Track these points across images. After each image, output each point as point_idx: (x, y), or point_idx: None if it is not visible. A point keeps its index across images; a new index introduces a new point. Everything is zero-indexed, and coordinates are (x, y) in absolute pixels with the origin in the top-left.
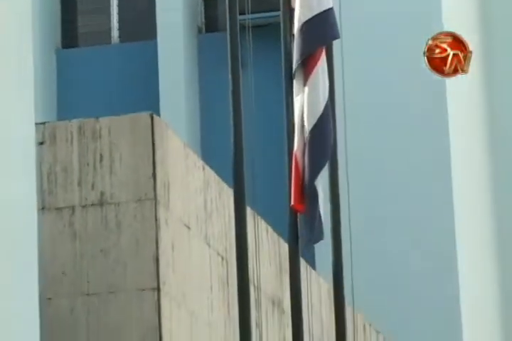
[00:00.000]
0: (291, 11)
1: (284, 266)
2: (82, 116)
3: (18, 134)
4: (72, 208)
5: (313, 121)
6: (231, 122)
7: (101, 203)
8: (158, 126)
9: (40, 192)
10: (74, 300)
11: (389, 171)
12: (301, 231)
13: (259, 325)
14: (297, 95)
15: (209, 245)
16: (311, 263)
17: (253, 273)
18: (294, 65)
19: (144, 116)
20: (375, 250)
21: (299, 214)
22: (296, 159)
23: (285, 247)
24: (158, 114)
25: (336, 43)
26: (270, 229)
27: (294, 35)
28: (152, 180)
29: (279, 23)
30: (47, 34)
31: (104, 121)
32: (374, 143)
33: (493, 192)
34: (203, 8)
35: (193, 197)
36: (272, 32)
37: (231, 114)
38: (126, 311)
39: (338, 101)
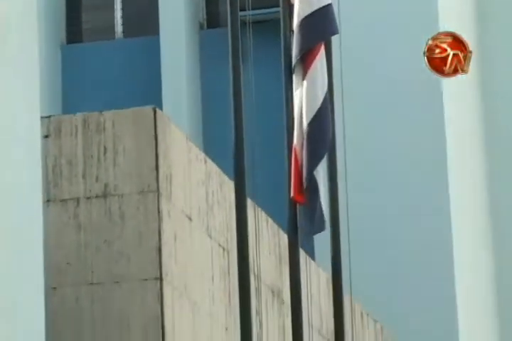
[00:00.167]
0: (291, 6)
1: (284, 256)
2: (87, 109)
3: (23, 128)
4: (77, 200)
5: (312, 114)
6: (232, 116)
7: (105, 195)
8: (160, 120)
9: (46, 184)
10: (78, 289)
11: (387, 162)
12: (301, 222)
13: (259, 314)
14: (296, 89)
15: (210, 236)
16: (311, 253)
17: (253, 264)
18: (294, 60)
19: (147, 109)
20: (373, 241)
21: (298, 205)
22: (295, 152)
23: (285, 238)
24: (161, 108)
25: (334, 38)
26: (270, 221)
27: (293, 30)
28: (155, 173)
29: (279, 19)
30: (52, 30)
31: (108, 115)
32: (372, 135)
33: (489, 190)
34: (204, 4)
35: (195, 189)
36: (272, 28)
37: (232, 108)
38: (130, 300)
39: (336, 95)
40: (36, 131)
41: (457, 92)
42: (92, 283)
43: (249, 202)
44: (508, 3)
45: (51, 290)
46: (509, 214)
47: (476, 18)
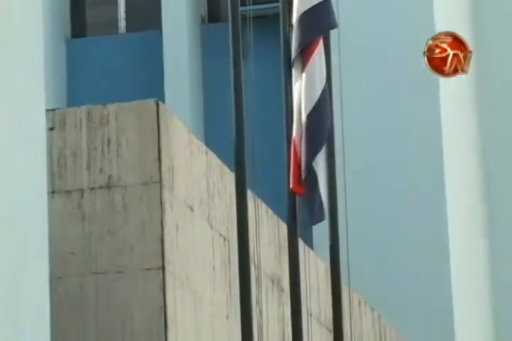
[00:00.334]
0: (291, 2)
1: (283, 246)
2: (91, 102)
3: (29, 120)
4: (81, 191)
5: (310, 106)
6: (233, 109)
7: (108, 186)
8: (163, 113)
9: (51, 175)
10: (83, 278)
11: (385, 154)
12: (300, 212)
13: (259, 303)
14: (295, 83)
15: (211, 226)
16: (309, 243)
17: (254, 253)
18: (293, 54)
19: (150, 103)
20: (370, 231)
21: (298, 196)
22: (294, 144)
23: (284, 228)
24: (163, 101)
25: (333, 32)
26: (270, 211)
27: (292, 25)
28: (157, 164)
29: (279, 14)
30: (57, 24)
31: (112, 108)
32: (370, 127)
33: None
34: None
35: (197, 180)
36: (272, 22)
37: (233, 101)
38: (133, 289)
39: (334, 88)
40: (41, 123)
41: (454, 85)
42: (96, 273)
43: (249, 193)
44: (503, 2)
45: (56, 280)
46: (504, 200)
47: (472, 17)
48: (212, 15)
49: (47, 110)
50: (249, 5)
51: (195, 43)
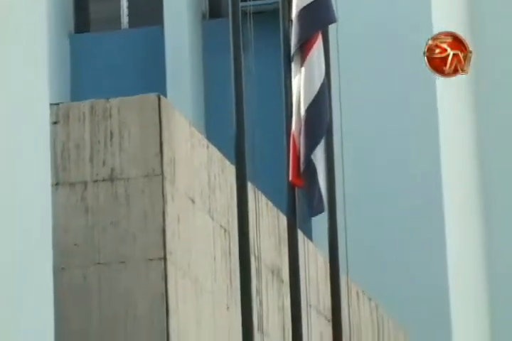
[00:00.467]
0: None
1: (283, 237)
2: (94, 97)
3: (33, 114)
4: (85, 183)
5: (309, 100)
6: (233, 103)
7: (111, 178)
8: (164, 107)
9: (54, 168)
10: (86, 269)
11: (383, 146)
12: (300, 204)
13: (259, 293)
14: (295, 76)
15: (212, 218)
16: (308, 235)
17: (254, 245)
18: (293, 49)
19: (152, 97)
20: (368, 223)
21: (297, 188)
22: (293, 137)
23: (284, 220)
24: (165, 95)
25: (331, 27)
26: (270, 203)
27: (292, 20)
28: (159, 157)
29: (279, 10)
30: (60, 20)
31: (115, 102)
32: (368, 119)
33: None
34: None
35: (198, 173)
36: (272, 18)
37: (233, 95)
38: (135, 279)
39: (334, 83)
40: (45, 117)
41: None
42: (99, 263)
43: (249, 186)
44: (499, 3)
45: (60, 270)
46: (499, 190)
47: (470, 18)
48: (213, 11)
49: (51, 104)
50: (250, 1)
51: (196, 38)
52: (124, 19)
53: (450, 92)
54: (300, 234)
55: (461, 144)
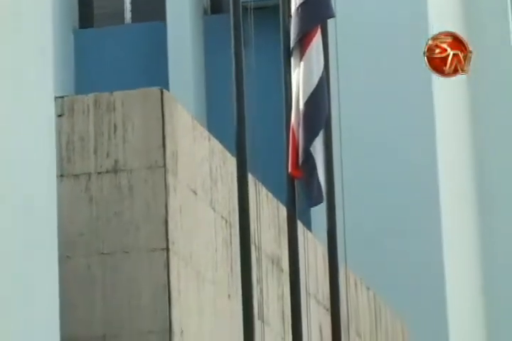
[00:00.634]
0: None
1: (283, 228)
2: (98, 90)
3: (39, 107)
4: (89, 175)
5: (308, 94)
6: (234, 96)
7: (115, 170)
8: (167, 100)
9: (59, 160)
10: (90, 258)
11: (380, 138)
12: (299, 196)
13: (259, 282)
14: (294, 70)
15: (214, 209)
16: (308, 225)
17: (254, 235)
18: (292, 43)
19: (155, 90)
20: (366, 213)
21: (296, 180)
22: (293, 130)
23: (284, 211)
24: (168, 89)
25: (330, 21)
26: (270, 195)
27: (291, 15)
28: (162, 149)
29: (279, 5)
30: (65, 15)
31: (118, 95)
32: (366, 111)
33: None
34: None
35: (200, 165)
36: (272, 13)
37: (234, 89)
38: (138, 269)
39: (332, 76)
40: (50, 110)
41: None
42: (103, 253)
43: (250, 178)
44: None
45: (65, 260)
46: (496, 175)
47: (466, 15)
48: (215, 6)
49: (56, 97)
50: None
51: (197, 34)
52: (127, 14)
53: (447, 84)
54: (299, 225)
55: (457, 131)
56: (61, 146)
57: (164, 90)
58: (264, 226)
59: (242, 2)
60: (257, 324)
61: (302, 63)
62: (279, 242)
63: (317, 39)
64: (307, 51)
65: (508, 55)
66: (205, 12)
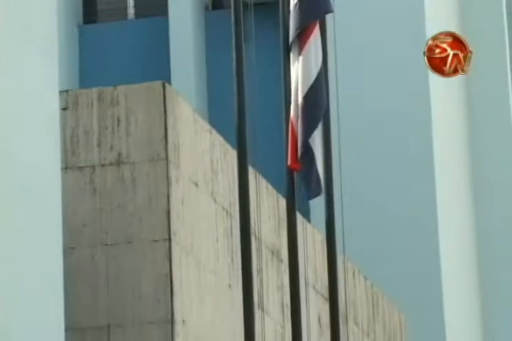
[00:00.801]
0: None
1: (282, 219)
2: (102, 84)
3: (44, 101)
4: (93, 167)
5: (307, 87)
6: (235, 90)
7: (118, 163)
8: (169, 94)
9: (64, 152)
10: (94, 249)
11: (378, 130)
12: (298, 187)
13: (259, 272)
14: (293, 64)
15: (215, 200)
16: (306, 216)
17: (254, 226)
18: (291, 38)
19: (157, 84)
20: (364, 204)
21: (295, 172)
22: (292, 123)
23: (283, 202)
24: (170, 83)
25: (329, 16)
26: (270, 187)
27: (290, 11)
28: (164, 142)
29: (279, 1)
30: (70, 11)
31: (121, 89)
32: (364, 104)
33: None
34: None
35: (201, 157)
36: (272, 9)
37: (235, 83)
38: (141, 259)
39: (331, 70)
40: (55, 104)
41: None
42: (106, 244)
43: (250, 170)
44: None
45: (69, 250)
46: (489, 167)
47: (461, 16)
48: (216, 2)
49: (60, 91)
50: None
51: (199, 29)
52: (131, 10)
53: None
54: (299, 216)
55: (453, 121)
56: (65, 139)
57: (166, 84)
58: (264, 217)
59: None
60: (257, 313)
61: (301, 58)
62: (279, 233)
63: (315, 34)
64: (306, 46)
65: (502, 54)
66: (206, 8)
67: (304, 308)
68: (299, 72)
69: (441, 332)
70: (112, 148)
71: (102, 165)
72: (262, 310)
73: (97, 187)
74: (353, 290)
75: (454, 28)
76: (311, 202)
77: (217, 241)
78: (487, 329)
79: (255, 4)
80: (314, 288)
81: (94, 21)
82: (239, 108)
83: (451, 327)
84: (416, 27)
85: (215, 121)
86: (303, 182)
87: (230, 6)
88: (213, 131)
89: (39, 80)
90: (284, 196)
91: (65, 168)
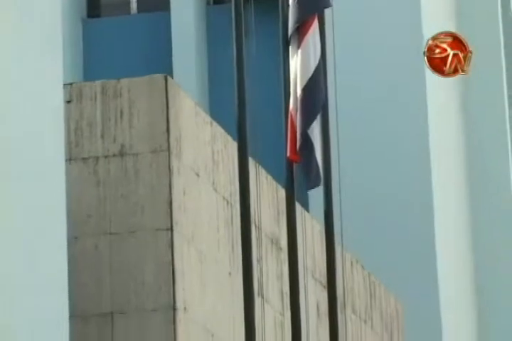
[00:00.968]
0: None
1: (282, 209)
2: (105, 77)
3: (48, 94)
4: (96, 158)
5: (305, 80)
6: (235, 83)
7: (121, 154)
8: (171, 87)
9: (68, 144)
10: (98, 238)
11: (375, 120)
12: (298, 178)
13: (259, 261)
14: (292, 57)
15: (216, 190)
16: (305, 206)
17: (254, 215)
18: (290, 32)
19: (159, 77)
20: (362, 195)
21: (294, 163)
22: (291, 116)
23: (282, 192)
24: (172, 76)
25: (327, 10)
26: (269, 177)
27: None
28: (166, 134)
29: None
30: (74, 6)
31: (124, 82)
32: (362, 96)
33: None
34: None
35: (202, 148)
36: (271, 3)
37: (235, 76)
38: (144, 248)
39: (329, 63)
40: (60, 96)
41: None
42: (110, 233)
43: (250, 161)
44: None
45: (73, 240)
46: (487, 161)
47: (458, 16)
48: None
49: (65, 84)
50: None
51: (200, 23)
52: (133, 5)
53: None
54: (298, 206)
55: (449, 112)
56: (70, 131)
57: (168, 77)
58: (264, 207)
59: None
60: (257, 300)
61: (300, 51)
62: (278, 223)
63: (314, 28)
64: (304, 39)
65: (498, 53)
66: (207, 2)
67: (302, 296)
68: (298, 65)
69: (437, 320)
70: (115, 139)
71: (106, 157)
72: (262, 297)
73: (101, 177)
74: (350, 278)
75: (450, 29)
76: (309, 192)
77: (218, 230)
78: (482, 317)
79: None
80: (313, 276)
81: (97, 16)
82: (239, 100)
83: (446, 315)
84: (413, 19)
85: (216, 113)
86: (302, 173)
87: (230, 1)
88: (214, 123)
89: (44, 74)
90: (283, 186)
91: (69, 159)
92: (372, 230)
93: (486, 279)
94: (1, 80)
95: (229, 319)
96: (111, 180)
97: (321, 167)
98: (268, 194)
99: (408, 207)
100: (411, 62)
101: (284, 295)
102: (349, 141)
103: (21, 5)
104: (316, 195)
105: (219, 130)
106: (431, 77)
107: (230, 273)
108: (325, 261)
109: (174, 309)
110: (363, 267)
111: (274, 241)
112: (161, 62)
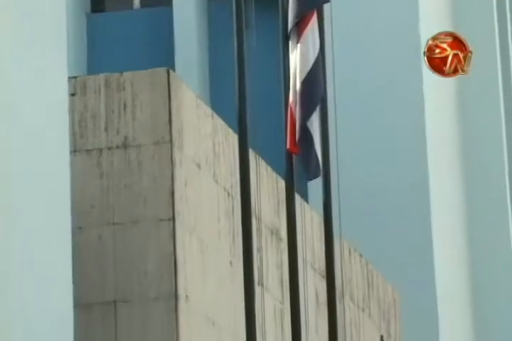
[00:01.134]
0: None
1: (281, 199)
2: (109, 71)
3: (53, 87)
4: (100, 150)
5: (304, 73)
6: (236, 76)
7: (124, 146)
8: (173, 80)
9: (72, 136)
10: (101, 229)
11: (373, 113)
12: (297, 170)
13: (259, 251)
14: (292, 52)
15: (217, 182)
16: (304, 197)
17: (255, 206)
18: (289, 26)
19: (162, 71)
20: (360, 186)
21: (294, 155)
22: (291, 108)
23: (282, 184)
24: (174, 70)
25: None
26: (269, 169)
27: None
28: (168, 126)
29: None
30: (78, 1)
31: (128, 75)
32: (360, 90)
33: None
34: None
35: (204, 140)
36: None
37: (236, 69)
38: (147, 238)
39: (328, 57)
40: (64, 89)
41: None
42: (113, 223)
43: (250, 152)
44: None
45: (77, 230)
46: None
47: (454, 16)
48: None
49: (69, 77)
50: None
51: (202, 18)
52: (136, 0)
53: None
54: (297, 197)
55: (445, 103)
56: (74, 123)
57: (170, 71)
58: (264, 198)
59: None
60: (257, 289)
61: (299, 45)
62: (278, 213)
63: (313, 23)
64: (304, 34)
65: (494, 53)
66: None
67: (302, 285)
68: (297, 59)
69: (434, 308)
70: (118, 131)
71: (109, 148)
72: (262, 286)
73: (104, 169)
74: (349, 268)
75: (447, 28)
76: (309, 184)
77: (219, 220)
78: (478, 306)
79: None
80: (312, 266)
81: (101, 10)
82: (240, 93)
83: (443, 304)
84: (411, 13)
85: (217, 106)
86: (301, 165)
87: None
88: (215, 116)
89: (49, 67)
90: (283, 178)
91: (74, 151)
92: (371, 221)
93: (482, 269)
94: (8, 74)
95: (229, 307)
96: (114, 171)
97: (320, 158)
98: (268, 185)
99: (406, 198)
100: (408, 56)
101: (284, 285)
102: (347, 133)
103: (26, 2)
104: (316, 186)
105: (220, 122)
106: (428, 71)
107: (230, 263)
108: (323, 250)
109: (176, 298)
110: (360, 255)
111: (274, 232)
112: (163, 55)
